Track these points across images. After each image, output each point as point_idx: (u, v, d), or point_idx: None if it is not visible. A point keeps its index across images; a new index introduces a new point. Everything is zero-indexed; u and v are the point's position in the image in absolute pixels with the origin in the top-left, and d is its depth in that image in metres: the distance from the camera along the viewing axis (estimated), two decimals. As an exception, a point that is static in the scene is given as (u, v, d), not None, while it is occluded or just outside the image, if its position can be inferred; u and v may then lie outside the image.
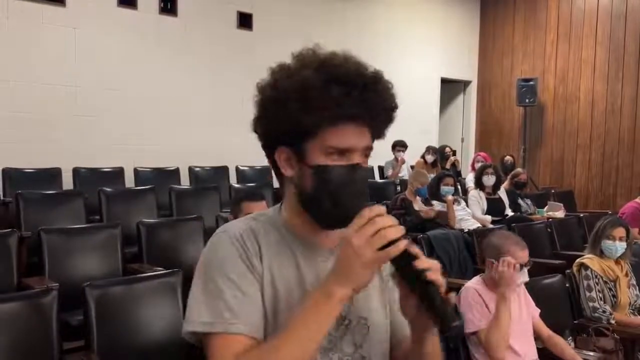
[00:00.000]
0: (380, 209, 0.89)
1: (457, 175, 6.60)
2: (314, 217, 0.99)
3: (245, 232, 0.99)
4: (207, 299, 0.94)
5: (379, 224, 0.86)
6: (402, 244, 0.86)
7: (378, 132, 1.01)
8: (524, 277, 2.32)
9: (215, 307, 0.93)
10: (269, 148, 1.02)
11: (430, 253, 3.94)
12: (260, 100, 1.00)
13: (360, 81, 0.95)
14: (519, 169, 6.25)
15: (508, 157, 7.16)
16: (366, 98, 0.94)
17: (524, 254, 2.35)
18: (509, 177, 6.13)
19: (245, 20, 6.29)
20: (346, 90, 0.93)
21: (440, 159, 7.15)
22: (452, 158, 7.34)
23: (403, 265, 0.88)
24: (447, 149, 7.51)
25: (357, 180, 0.96)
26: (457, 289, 2.46)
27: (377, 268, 0.89)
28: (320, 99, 0.92)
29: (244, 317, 0.93)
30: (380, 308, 1.08)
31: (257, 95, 1.01)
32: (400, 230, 0.87)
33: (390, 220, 0.88)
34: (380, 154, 7.14)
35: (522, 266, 2.30)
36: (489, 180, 5.39)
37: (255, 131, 1.03)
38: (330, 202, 0.94)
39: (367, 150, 0.99)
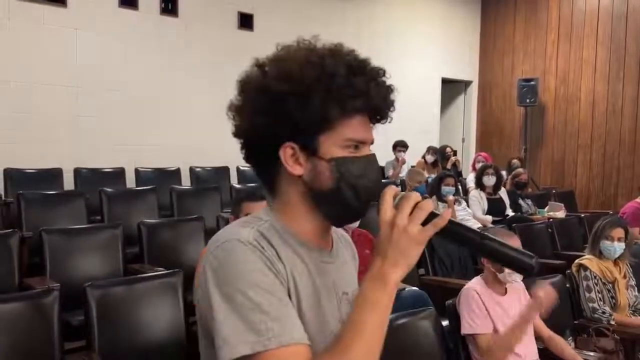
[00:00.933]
0: (396, 188, 0.89)
1: (457, 175, 6.60)
2: (330, 215, 0.95)
3: (258, 237, 0.89)
4: (244, 316, 0.82)
5: (412, 199, 0.86)
6: (447, 213, 0.86)
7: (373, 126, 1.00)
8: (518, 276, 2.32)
9: (258, 322, 0.82)
10: (264, 146, 0.93)
11: (431, 253, 3.94)
12: (259, 94, 0.92)
13: (375, 72, 0.93)
14: (520, 169, 6.25)
15: (515, 160, 7.15)
16: (382, 90, 0.93)
17: (514, 242, 2.36)
18: (509, 177, 6.13)
19: (246, 21, 6.29)
20: (367, 80, 0.90)
21: (440, 159, 7.15)
22: (452, 158, 7.31)
23: (451, 234, 0.88)
24: (448, 149, 7.49)
25: (375, 172, 0.95)
26: (458, 289, 2.47)
27: (425, 244, 0.87)
28: (345, 90, 0.88)
29: (292, 325, 0.84)
30: (356, 282, 1.06)
31: (250, 90, 0.94)
32: (431, 202, 0.87)
33: (417, 194, 0.87)
34: (381, 154, 7.15)
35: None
36: (490, 180, 5.39)
37: (245, 130, 0.95)
38: (353, 195, 0.91)
39: (372, 144, 0.98)
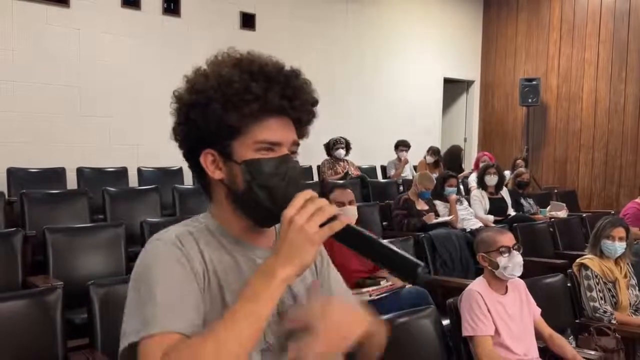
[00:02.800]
0: (312, 192, 0.90)
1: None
2: (249, 216, 0.98)
3: (182, 235, 0.96)
4: (139, 308, 0.88)
5: (317, 203, 0.88)
6: (345, 218, 0.89)
7: (302, 129, 1.02)
8: (515, 259, 2.33)
9: (149, 313, 0.86)
10: (191, 153, 1.00)
11: (433, 252, 3.95)
12: (179, 106, 1.00)
13: (280, 75, 0.96)
14: (522, 169, 6.24)
15: (520, 161, 7.15)
16: (287, 92, 0.96)
17: (504, 237, 2.37)
18: (511, 176, 6.13)
19: (248, 21, 6.31)
20: (267, 84, 0.94)
21: (448, 160, 7.00)
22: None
23: (346, 238, 0.90)
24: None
25: (290, 171, 0.96)
26: (460, 289, 2.48)
27: (319, 245, 0.89)
28: (242, 95, 0.93)
29: (178, 316, 0.87)
30: (305, 280, 1.07)
31: (175, 103, 1.01)
32: (335, 208, 0.90)
33: (325, 200, 0.90)
34: (383, 153, 7.16)
35: (510, 249, 2.33)
36: (492, 180, 5.39)
37: (176, 139, 1.03)
38: (265, 195, 0.94)
39: (294, 146, 1.00)
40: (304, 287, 1.05)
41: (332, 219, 0.88)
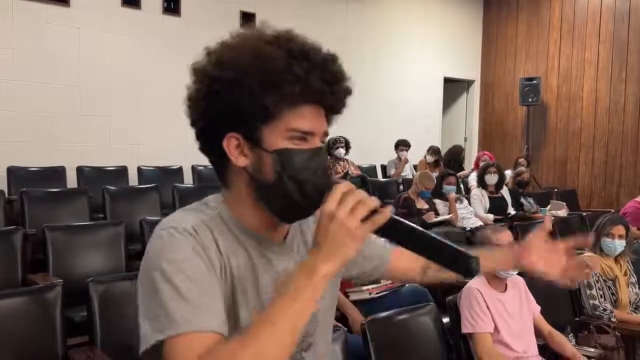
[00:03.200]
0: (350, 184, 0.85)
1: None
2: (273, 209, 0.91)
3: (198, 226, 0.88)
4: (163, 303, 0.81)
5: (357, 195, 0.83)
6: (387, 211, 0.83)
7: (330, 118, 0.95)
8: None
9: (175, 309, 0.80)
10: (211, 135, 0.91)
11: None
12: (202, 81, 0.89)
13: (320, 58, 0.88)
14: (522, 168, 6.24)
15: (522, 160, 7.14)
16: (327, 76, 0.88)
17: (501, 236, 2.37)
18: (511, 175, 6.13)
19: (248, 20, 6.31)
20: (308, 66, 0.86)
21: (452, 161, 7.01)
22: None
23: (390, 232, 0.85)
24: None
25: (322, 164, 0.90)
26: (459, 286, 2.48)
27: (362, 241, 0.83)
28: (283, 75, 0.84)
29: (209, 313, 0.82)
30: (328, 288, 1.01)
31: (198, 79, 0.90)
32: (376, 200, 0.84)
33: (364, 192, 0.84)
34: (383, 153, 7.16)
35: None
36: (492, 179, 5.39)
37: (193, 118, 0.93)
38: (296, 188, 0.87)
39: (324, 136, 0.93)
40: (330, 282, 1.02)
41: (374, 212, 0.82)
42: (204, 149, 0.96)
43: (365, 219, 0.82)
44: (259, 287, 0.92)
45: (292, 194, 0.88)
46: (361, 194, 0.84)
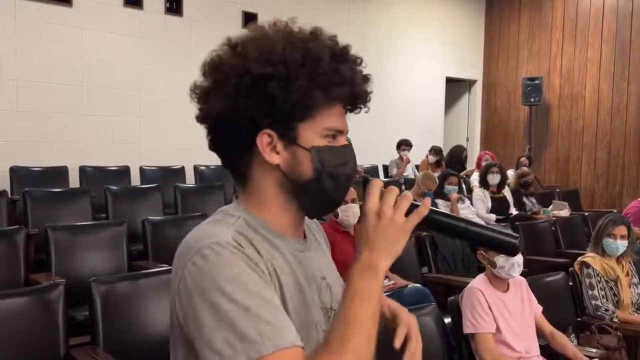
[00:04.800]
0: (380, 181, 0.89)
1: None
2: (307, 205, 0.92)
3: (237, 237, 0.84)
4: (234, 324, 0.77)
5: (395, 190, 0.86)
6: (428, 202, 0.87)
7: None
8: (512, 260, 2.32)
9: (249, 328, 0.76)
10: (238, 134, 0.87)
11: (434, 251, 3.95)
12: (236, 76, 0.85)
13: (355, 59, 0.90)
14: (526, 169, 6.23)
15: (523, 159, 7.12)
16: (365, 79, 0.91)
17: None
18: (515, 176, 6.11)
19: (250, 20, 6.31)
20: (351, 67, 0.88)
21: (454, 162, 7.02)
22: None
23: (433, 223, 0.89)
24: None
25: (353, 162, 0.94)
26: (461, 287, 2.48)
27: (409, 234, 0.86)
28: (330, 76, 0.85)
29: (285, 327, 0.79)
30: (331, 266, 1.06)
31: (225, 71, 0.86)
32: (410, 193, 0.88)
33: (397, 188, 0.87)
34: (385, 153, 7.16)
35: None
36: (494, 179, 5.38)
37: (215, 115, 0.88)
38: (333, 185, 0.89)
39: (347, 134, 0.95)
40: (335, 276, 1.03)
41: (413, 206, 0.86)
42: (220, 146, 0.92)
43: (407, 213, 0.85)
44: (300, 286, 0.91)
45: (330, 190, 0.89)
46: (396, 189, 0.86)
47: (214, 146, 0.92)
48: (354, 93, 0.89)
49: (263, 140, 0.87)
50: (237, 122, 0.86)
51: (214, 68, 0.89)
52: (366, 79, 0.92)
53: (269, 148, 0.87)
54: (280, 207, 0.91)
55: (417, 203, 0.87)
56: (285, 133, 0.87)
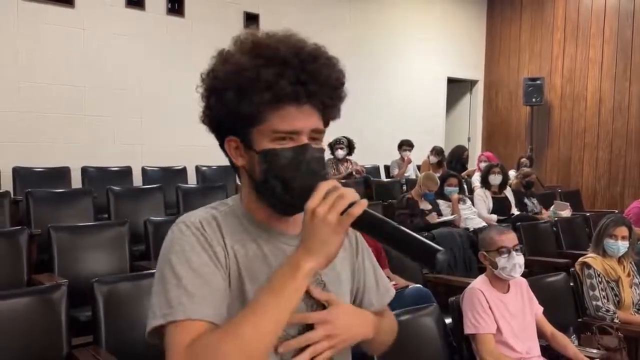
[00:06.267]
0: (335, 182, 0.89)
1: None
2: (269, 205, 0.97)
3: (205, 220, 0.95)
4: (166, 291, 0.88)
5: (339, 191, 0.87)
6: (363, 203, 0.87)
7: (328, 113, 0.98)
8: (514, 261, 2.33)
9: (173, 296, 0.87)
10: (219, 140, 1.00)
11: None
12: (202, 90, 0.97)
13: (295, 60, 0.91)
14: (529, 170, 6.22)
15: (524, 160, 7.12)
16: (302, 77, 0.91)
17: (505, 238, 2.37)
18: (517, 176, 6.11)
19: (251, 21, 6.32)
20: (279, 71, 0.90)
21: (455, 161, 7.03)
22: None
23: (363, 224, 0.88)
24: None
25: (307, 161, 0.93)
26: (462, 287, 2.49)
27: (345, 233, 0.87)
28: (252, 83, 0.90)
29: (205, 303, 0.87)
30: (346, 280, 1.07)
31: (201, 86, 0.98)
32: (355, 193, 0.88)
33: (348, 188, 0.88)
34: (387, 153, 7.16)
35: (510, 250, 2.33)
36: (496, 179, 5.39)
37: (204, 123, 1.00)
38: (281, 186, 0.92)
39: (315, 133, 0.95)
40: (335, 275, 1.03)
41: (351, 205, 0.86)
42: (222, 150, 1.02)
43: (344, 213, 0.86)
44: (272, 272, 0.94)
45: (278, 191, 0.93)
46: (343, 189, 0.87)
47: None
48: (279, 95, 0.90)
49: (230, 145, 0.98)
50: (213, 131, 1.00)
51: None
52: (311, 76, 0.92)
53: (236, 152, 0.98)
54: (255, 203, 0.99)
55: (357, 202, 0.86)
56: (243, 138, 0.96)
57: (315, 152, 0.95)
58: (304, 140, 0.93)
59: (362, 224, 0.87)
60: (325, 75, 0.94)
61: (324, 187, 0.87)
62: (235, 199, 1.02)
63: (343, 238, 0.88)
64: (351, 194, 0.87)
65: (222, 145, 1.00)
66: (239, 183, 1.04)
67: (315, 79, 0.92)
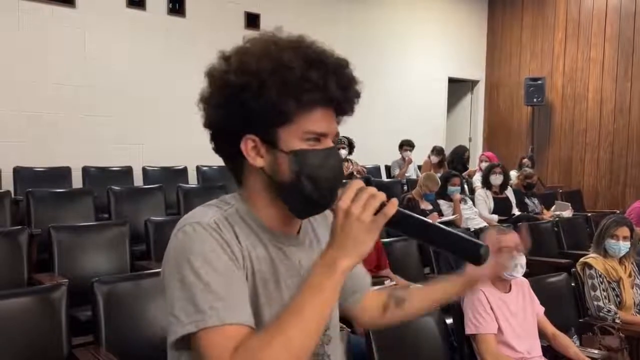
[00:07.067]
0: (362, 182, 0.90)
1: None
2: (291, 206, 0.96)
3: (220, 221, 0.92)
4: (193, 296, 0.85)
5: (369, 191, 0.88)
6: (394, 202, 0.88)
7: (339, 119, 1.00)
8: (514, 262, 2.31)
9: (204, 302, 0.84)
10: (228, 139, 0.95)
11: (436, 251, 3.95)
12: (220, 87, 0.93)
13: (335, 64, 0.93)
14: (531, 171, 6.22)
15: (526, 160, 7.12)
16: (343, 82, 0.93)
17: (506, 238, 2.36)
18: (519, 177, 6.11)
19: (252, 21, 6.32)
20: (324, 73, 0.90)
21: (457, 161, 7.03)
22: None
23: (399, 223, 0.89)
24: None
25: (335, 164, 0.95)
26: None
27: (377, 233, 0.88)
28: (301, 82, 0.89)
29: (237, 306, 0.86)
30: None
31: (214, 83, 0.95)
32: (382, 193, 0.89)
33: (374, 188, 0.89)
34: (388, 153, 7.16)
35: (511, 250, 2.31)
36: (497, 179, 5.38)
37: (208, 121, 0.97)
38: (312, 187, 0.92)
39: (336, 137, 0.99)
40: None
41: (383, 205, 0.87)
42: (219, 150, 1.00)
43: (377, 212, 0.87)
44: (279, 278, 0.96)
45: (309, 192, 0.92)
46: (372, 189, 0.88)
47: (215, 150, 1.00)
48: (326, 98, 0.91)
49: (247, 145, 0.94)
50: (225, 129, 0.95)
51: (207, 79, 0.97)
52: (349, 82, 0.94)
53: (254, 152, 0.94)
54: (268, 205, 0.97)
55: (389, 202, 0.88)
56: (267, 138, 0.93)
57: (339, 156, 0.98)
58: (330, 142, 0.95)
59: (395, 222, 0.88)
60: (356, 84, 0.96)
61: (353, 186, 0.88)
62: (236, 199, 0.99)
63: (376, 237, 0.88)
64: (381, 193, 0.88)
65: (222, 146, 0.98)
66: (245, 184, 0.99)
67: (351, 86, 0.95)
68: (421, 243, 0.95)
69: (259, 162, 0.94)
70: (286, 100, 0.89)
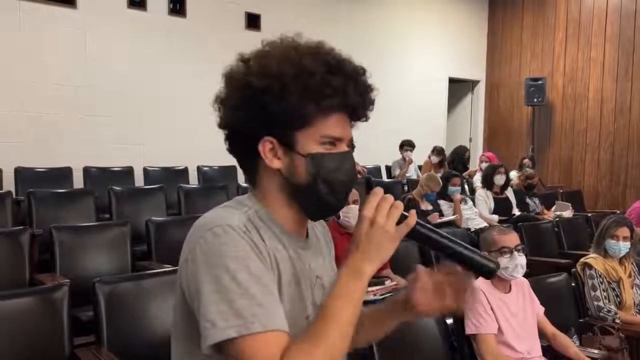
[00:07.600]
0: (381, 190, 0.95)
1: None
2: (305, 208, 0.99)
3: (247, 224, 0.93)
4: (230, 300, 0.85)
5: (390, 200, 0.93)
6: (413, 213, 0.94)
7: (352, 125, 1.02)
8: (516, 261, 2.32)
9: (244, 306, 0.84)
10: (245, 140, 0.96)
11: (437, 252, 3.95)
12: (241, 90, 0.95)
13: (354, 72, 0.96)
14: (532, 172, 6.22)
15: (527, 160, 7.13)
16: (361, 89, 0.96)
17: (506, 238, 2.36)
18: (520, 177, 6.11)
19: (253, 21, 6.33)
20: (345, 80, 0.93)
21: (457, 161, 7.05)
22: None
23: (420, 233, 0.95)
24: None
25: (350, 168, 0.98)
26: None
27: (399, 240, 0.93)
28: (322, 88, 0.91)
29: (275, 312, 0.87)
30: (330, 269, 1.11)
31: (233, 85, 0.97)
32: (401, 203, 0.94)
33: (392, 197, 0.94)
34: (388, 153, 7.16)
35: (512, 250, 2.32)
36: (501, 179, 5.38)
37: (227, 123, 0.98)
38: (328, 190, 0.95)
39: (351, 141, 1.02)
40: (333, 275, 1.07)
41: (403, 216, 0.93)
42: (234, 150, 1.01)
43: (398, 222, 0.92)
44: (299, 280, 0.99)
45: (325, 194, 0.95)
46: (391, 198, 0.94)
47: (230, 150, 1.02)
48: (346, 103, 0.94)
49: (265, 146, 0.95)
50: (243, 131, 0.96)
51: (226, 81, 0.99)
52: (366, 89, 0.97)
53: (271, 154, 0.96)
54: (282, 207, 0.99)
55: (406, 214, 0.93)
56: (285, 140, 0.95)
57: (353, 159, 1.01)
58: (345, 147, 0.98)
59: (417, 234, 0.95)
60: (371, 91, 0.99)
61: (376, 195, 0.93)
62: (252, 201, 0.99)
63: (397, 245, 0.93)
64: (399, 202, 0.93)
65: (237, 146, 0.99)
66: (259, 185, 1.00)
67: (367, 92, 0.98)
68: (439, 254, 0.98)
69: (276, 163, 0.96)
70: (307, 105, 0.91)
